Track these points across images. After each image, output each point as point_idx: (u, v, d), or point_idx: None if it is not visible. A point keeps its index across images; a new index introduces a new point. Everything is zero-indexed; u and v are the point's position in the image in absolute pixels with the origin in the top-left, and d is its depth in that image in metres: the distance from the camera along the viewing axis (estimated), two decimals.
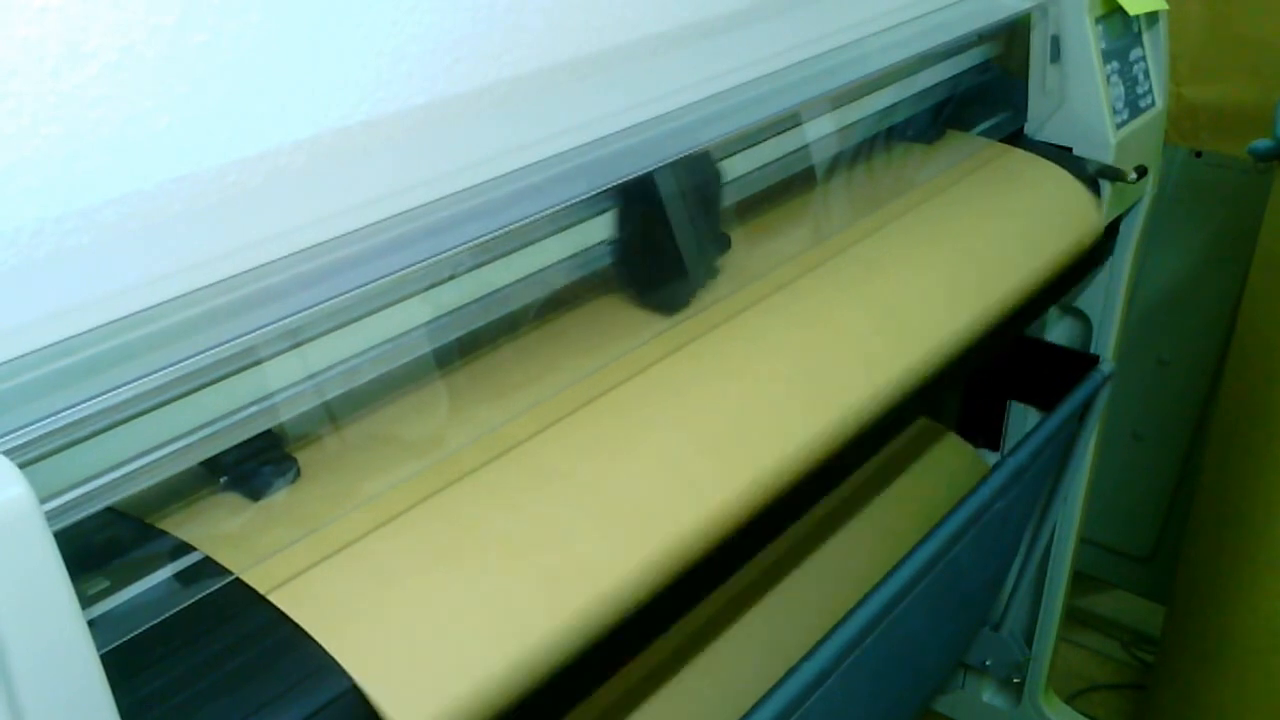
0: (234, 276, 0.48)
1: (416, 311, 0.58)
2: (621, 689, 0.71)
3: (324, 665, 0.45)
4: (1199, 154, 1.34)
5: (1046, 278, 0.92)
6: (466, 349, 0.64)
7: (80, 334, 0.43)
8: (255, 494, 0.53)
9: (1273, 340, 1.08)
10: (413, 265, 0.53)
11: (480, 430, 0.58)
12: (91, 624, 0.37)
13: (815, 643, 0.74)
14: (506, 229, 0.57)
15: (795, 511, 0.70)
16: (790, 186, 0.83)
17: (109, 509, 0.46)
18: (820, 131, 0.82)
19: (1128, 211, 1.04)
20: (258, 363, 0.50)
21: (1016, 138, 0.99)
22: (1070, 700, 1.43)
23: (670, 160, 0.65)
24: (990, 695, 1.40)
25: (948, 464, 1.06)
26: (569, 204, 0.61)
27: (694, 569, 0.61)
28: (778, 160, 0.79)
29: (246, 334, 0.47)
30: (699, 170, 0.68)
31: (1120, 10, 0.96)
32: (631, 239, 0.67)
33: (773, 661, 0.76)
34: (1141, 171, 0.95)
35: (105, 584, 0.46)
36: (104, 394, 0.43)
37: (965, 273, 0.80)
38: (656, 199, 0.65)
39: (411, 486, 0.54)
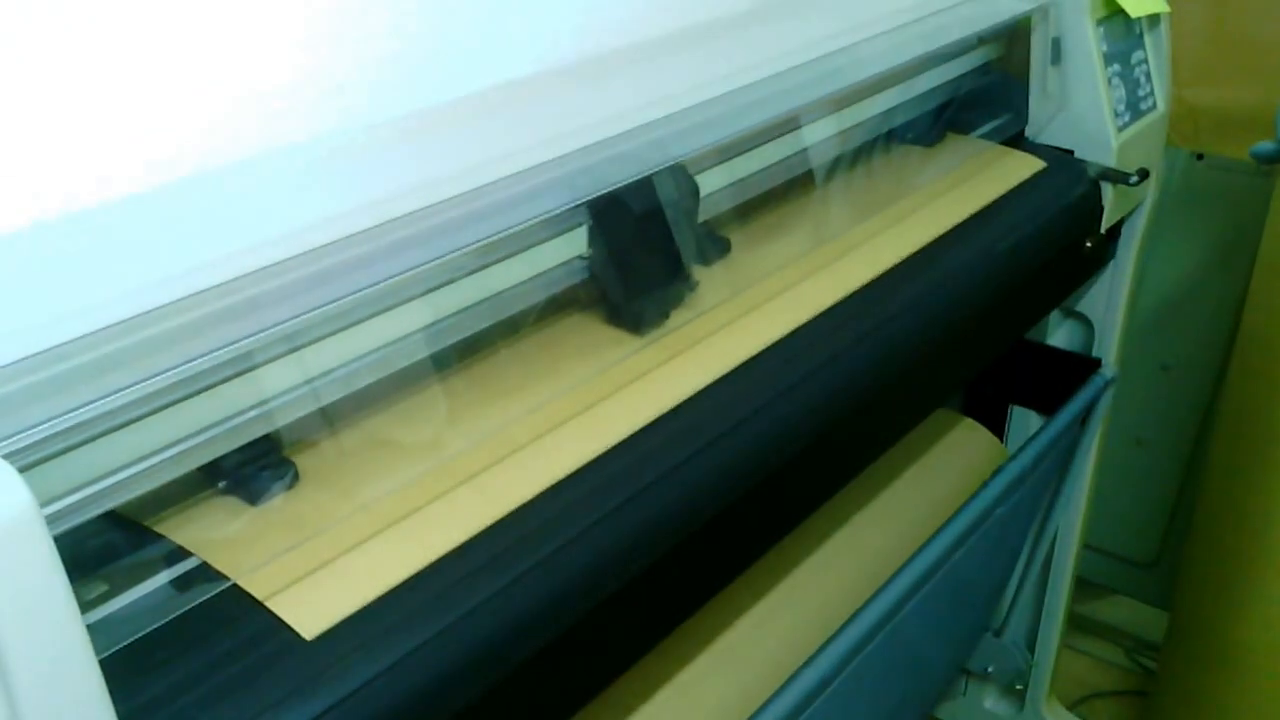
0: (232, 280, 0.47)
1: (415, 315, 0.58)
2: (623, 685, 0.70)
3: (323, 670, 0.45)
4: (1201, 157, 1.34)
5: (1046, 279, 0.92)
6: (465, 353, 0.63)
7: (79, 338, 0.43)
8: (253, 498, 0.52)
9: (1276, 344, 1.08)
10: (410, 270, 0.53)
11: (479, 434, 0.58)
12: (90, 628, 0.37)
13: (817, 648, 0.74)
14: (503, 234, 0.57)
15: (809, 504, 0.70)
16: (790, 189, 0.83)
17: (107, 513, 0.46)
18: (820, 135, 0.82)
19: (1129, 215, 1.04)
20: (256, 367, 0.50)
21: (1017, 140, 0.99)
22: (1073, 707, 1.42)
23: (668, 165, 0.65)
24: (992, 702, 1.39)
25: (969, 450, 1.05)
26: (566, 208, 0.61)
27: (705, 563, 0.61)
28: (777, 163, 0.79)
29: (245, 338, 0.47)
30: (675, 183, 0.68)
31: (1121, 12, 0.96)
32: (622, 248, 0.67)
33: (784, 657, 0.75)
34: (1143, 174, 0.95)
35: (103, 588, 0.46)
36: (104, 398, 0.43)
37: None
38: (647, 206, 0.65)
39: (411, 491, 0.54)
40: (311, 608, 0.47)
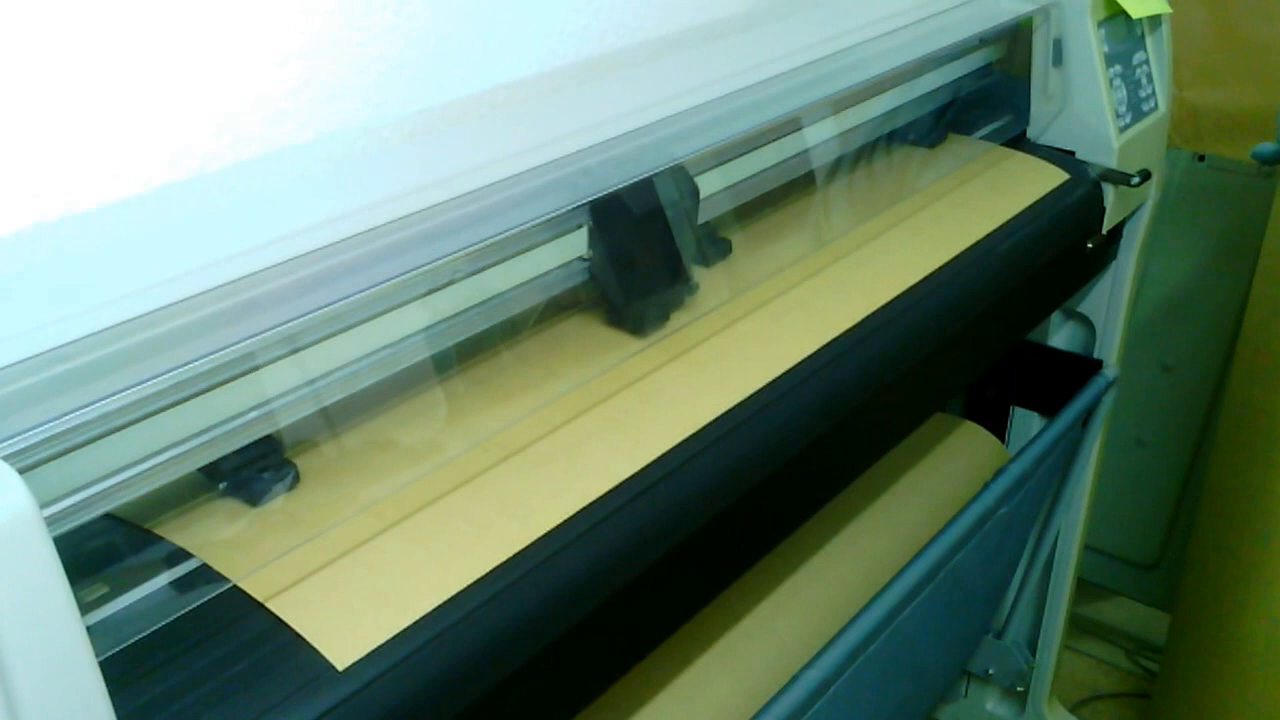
0: (232, 282, 0.47)
1: (415, 317, 0.57)
2: (625, 686, 0.70)
3: (323, 672, 0.45)
4: (1202, 158, 1.34)
5: (1048, 281, 0.92)
6: (465, 355, 0.63)
7: (80, 339, 0.43)
8: (254, 500, 0.52)
9: (1277, 345, 1.08)
10: (411, 271, 0.53)
11: (479, 435, 0.58)
12: (90, 630, 0.37)
13: (819, 650, 0.74)
14: (503, 235, 0.57)
15: (810, 506, 0.70)
16: (792, 190, 0.83)
17: (107, 515, 0.46)
18: (822, 136, 0.82)
19: (1131, 216, 1.04)
20: (256, 368, 0.50)
21: (1019, 141, 0.99)
22: (1074, 709, 1.42)
23: (668, 165, 0.65)
24: (994, 704, 1.39)
25: (970, 451, 1.05)
26: (566, 209, 0.61)
27: (707, 564, 0.61)
28: (780, 164, 0.78)
29: (245, 339, 0.47)
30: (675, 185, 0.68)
31: (1123, 13, 0.96)
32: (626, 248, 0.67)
33: (786, 659, 0.75)
34: (1144, 175, 0.95)
35: (104, 590, 0.46)
36: (104, 399, 0.43)
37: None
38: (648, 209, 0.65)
39: (411, 492, 0.54)
40: (312, 609, 0.47)
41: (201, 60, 0.55)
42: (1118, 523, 1.53)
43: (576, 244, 0.65)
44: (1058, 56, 0.94)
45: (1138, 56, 1.00)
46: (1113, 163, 0.96)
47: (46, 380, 0.42)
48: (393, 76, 0.63)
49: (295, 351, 0.52)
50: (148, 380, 0.44)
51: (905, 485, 0.97)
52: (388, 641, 0.46)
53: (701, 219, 0.73)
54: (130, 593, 0.47)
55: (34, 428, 0.41)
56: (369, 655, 0.46)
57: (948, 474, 1.01)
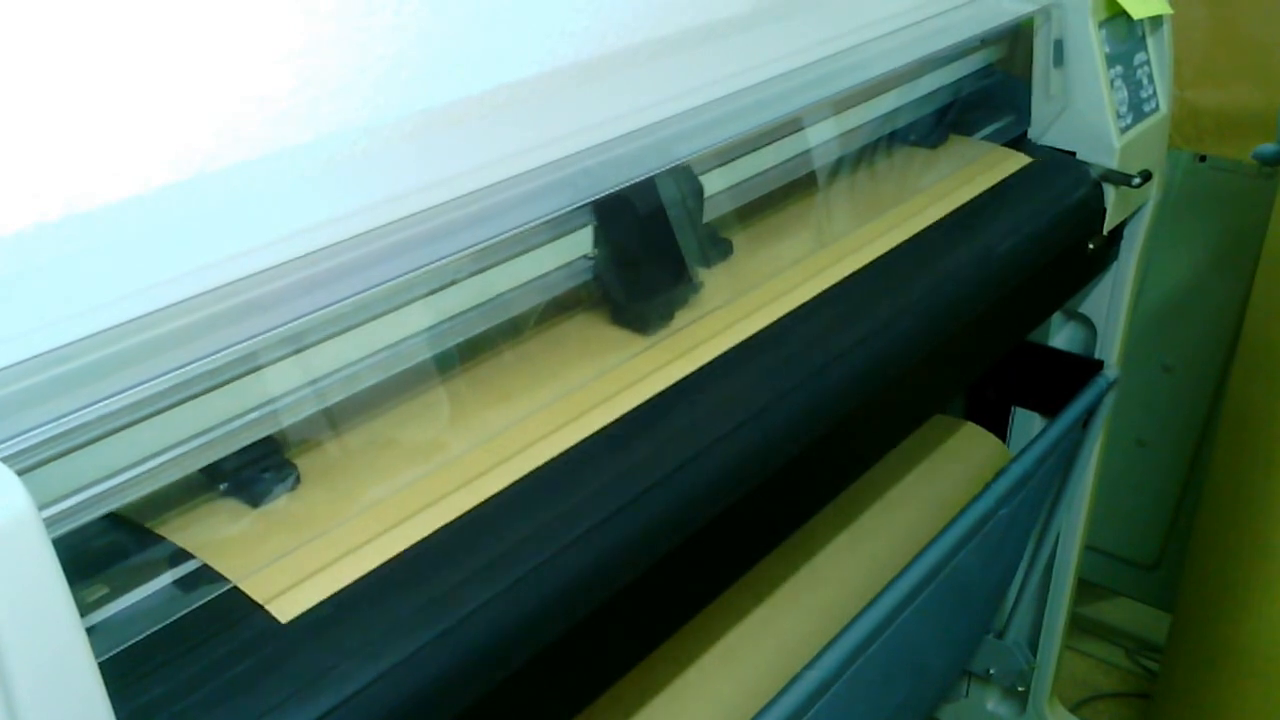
0: (233, 282, 0.47)
1: (419, 317, 0.57)
2: (626, 686, 0.70)
3: (323, 673, 0.44)
4: (1203, 158, 1.34)
5: (1049, 281, 0.92)
6: (468, 354, 0.63)
7: (79, 340, 0.43)
8: (255, 500, 0.52)
9: (1278, 345, 1.08)
10: (415, 270, 0.53)
11: (481, 436, 0.58)
12: (90, 631, 0.37)
13: (820, 650, 0.74)
14: (507, 234, 0.57)
15: (812, 506, 0.70)
16: (793, 191, 0.83)
17: (108, 515, 0.46)
18: (824, 136, 0.82)
19: (1132, 216, 1.04)
20: (258, 369, 0.50)
21: (1020, 142, 0.99)
22: (1075, 708, 1.42)
23: (671, 165, 0.65)
24: (994, 704, 1.39)
25: (971, 451, 1.05)
26: (570, 209, 0.61)
27: (708, 565, 0.61)
28: (781, 164, 0.78)
29: (246, 340, 0.47)
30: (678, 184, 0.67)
31: (1124, 14, 0.96)
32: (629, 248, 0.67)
33: (787, 659, 0.75)
34: (1145, 176, 0.95)
35: (104, 591, 0.46)
36: (103, 400, 0.43)
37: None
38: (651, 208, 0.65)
39: (413, 492, 0.54)
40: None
41: (202, 60, 0.55)
42: (1118, 523, 1.53)
43: (580, 243, 0.65)
44: (1059, 57, 0.94)
45: (1139, 57, 1.00)
46: (1114, 163, 0.96)
47: (46, 381, 0.42)
48: (393, 76, 0.63)
49: (297, 352, 0.52)
50: (148, 381, 0.44)
51: (906, 486, 0.97)
52: (389, 643, 0.46)
53: (704, 219, 0.73)
54: (130, 593, 0.47)
55: (34, 428, 0.41)
56: (354, 647, 0.46)
57: (949, 475, 1.01)
